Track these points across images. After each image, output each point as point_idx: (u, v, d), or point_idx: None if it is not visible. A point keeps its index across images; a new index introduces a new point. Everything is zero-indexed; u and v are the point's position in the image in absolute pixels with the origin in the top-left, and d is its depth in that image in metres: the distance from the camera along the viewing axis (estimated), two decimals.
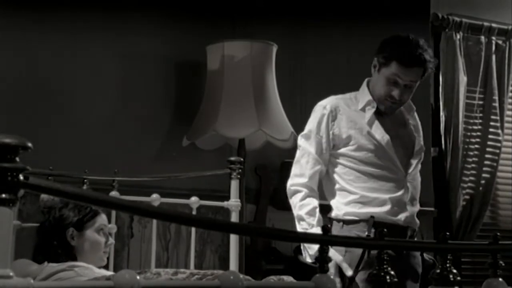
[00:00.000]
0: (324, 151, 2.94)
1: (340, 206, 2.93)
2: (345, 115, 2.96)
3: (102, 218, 2.94)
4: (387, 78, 2.91)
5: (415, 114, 3.11)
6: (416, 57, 2.90)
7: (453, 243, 1.63)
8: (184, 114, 3.92)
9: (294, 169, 2.97)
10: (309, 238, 1.61)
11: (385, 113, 2.98)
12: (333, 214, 2.95)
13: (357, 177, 2.91)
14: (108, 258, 3.15)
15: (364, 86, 3.05)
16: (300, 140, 3.01)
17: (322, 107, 2.99)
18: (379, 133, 2.93)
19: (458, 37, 4.65)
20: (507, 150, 4.83)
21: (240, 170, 3.41)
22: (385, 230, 1.54)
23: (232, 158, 3.43)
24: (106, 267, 3.10)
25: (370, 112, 2.96)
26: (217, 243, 3.93)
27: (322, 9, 4.30)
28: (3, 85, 3.58)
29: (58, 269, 2.70)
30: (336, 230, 2.89)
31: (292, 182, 2.95)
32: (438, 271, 1.55)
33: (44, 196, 3.08)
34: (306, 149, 2.96)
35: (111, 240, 2.95)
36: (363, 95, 3.01)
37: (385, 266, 1.49)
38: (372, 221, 2.81)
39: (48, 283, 1.99)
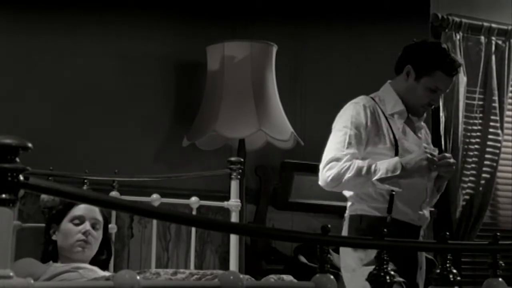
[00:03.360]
0: (359, 148, 2.87)
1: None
2: (378, 117, 2.93)
3: (77, 208, 2.91)
4: (429, 87, 2.92)
5: None
6: (458, 65, 2.94)
7: (453, 243, 1.63)
8: (184, 114, 3.92)
9: (330, 164, 2.86)
10: (309, 238, 1.60)
11: (408, 118, 2.98)
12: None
13: None
14: (110, 246, 3.13)
15: (389, 89, 3.01)
16: (334, 135, 2.94)
17: (357, 104, 2.94)
18: (406, 144, 2.91)
19: (458, 37, 4.65)
20: (507, 150, 4.83)
21: (240, 170, 3.42)
22: (385, 230, 1.54)
23: (232, 159, 3.43)
24: (106, 267, 3.10)
25: (400, 121, 2.95)
26: (217, 243, 3.93)
27: (322, 9, 4.30)
28: (2, 85, 3.58)
29: (62, 270, 2.70)
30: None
31: (331, 171, 2.84)
32: (438, 271, 1.55)
33: (44, 196, 3.08)
34: (341, 143, 2.88)
35: (82, 227, 2.88)
36: (390, 100, 2.98)
37: (385, 266, 1.49)
38: (390, 219, 2.83)
39: (47, 283, 1.99)
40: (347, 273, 2.86)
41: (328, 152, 2.89)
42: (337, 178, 2.81)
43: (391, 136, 2.90)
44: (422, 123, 3.08)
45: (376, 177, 2.79)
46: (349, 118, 2.90)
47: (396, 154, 2.87)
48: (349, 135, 2.86)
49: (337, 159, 2.83)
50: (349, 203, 2.96)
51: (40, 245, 3.02)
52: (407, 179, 2.82)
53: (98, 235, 2.93)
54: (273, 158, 4.02)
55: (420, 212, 2.92)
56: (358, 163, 2.80)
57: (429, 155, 2.80)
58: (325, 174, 2.84)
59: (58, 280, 2.64)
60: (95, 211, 2.93)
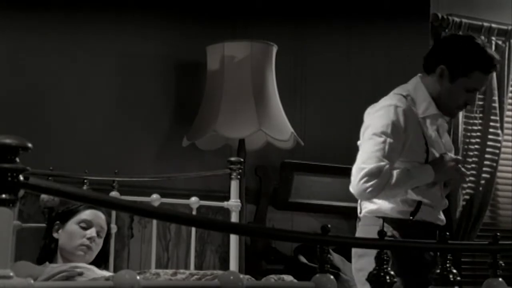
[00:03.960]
0: (396, 153, 2.76)
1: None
2: (413, 121, 2.79)
3: (87, 213, 2.92)
4: (467, 88, 2.79)
5: None
6: (496, 62, 2.83)
7: (453, 243, 1.63)
8: (184, 114, 3.92)
9: (368, 176, 2.72)
10: (309, 238, 1.60)
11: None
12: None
13: None
14: (108, 258, 3.15)
15: (421, 88, 2.85)
16: (372, 140, 2.77)
17: (397, 108, 2.77)
18: (437, 150, 2.84)
19: None
20: (507, 150, 4.83)
21: (240, 171, 3.42)
22: (384, 231, 1.54)
23: (232, 159, 3.43)
24: (106, 267, 3.10)
25: (433, 127, 2.84)
26: (217, 243, 3.93)
27: (322, 9, 4.30)
28: (2, 85, 3.58)
29: (59, 270, 2.70)
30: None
31: (371, 183, 2.70)
32: (438, 271, 1.55)
33: (44, 197, 3.09)
34: (380, 151, 2.73)
35: (89, 232, 2.89)
36: (422, 101, 2.83)
37: (385, 266, 1.49)
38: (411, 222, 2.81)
39: (47, 283, 1.99)
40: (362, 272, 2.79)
41: (366, 160, 2.72)
42: (377, 192, 2.70)
43: (423, 142, 2.79)
44: (445, 123, 2.98)
45: (410, 186, 2.75)
46: (389, 123, 2.73)
47: (426, 161, 2.80)
48: (389, 143, 2.70)
49: (377, 172, 2.68)
50: (368, 204, 2.85)
51: (40, 242, 3.01)
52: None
53: (100, 242, 2.94)
54: (273, 158, 4.02)
55: (440, 217, 2.91)
56: (397, 174, 2.71)
57: (459, 166, 2.76)
58: (363, 185, 2.70)
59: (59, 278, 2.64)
60: (102, 219, 2.96)
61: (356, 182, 2.73)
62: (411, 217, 2.80)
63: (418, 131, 2.80)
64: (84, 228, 2.89)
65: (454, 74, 2.80)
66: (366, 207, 2.87)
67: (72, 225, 2.90)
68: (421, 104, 2.83)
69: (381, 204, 2.82)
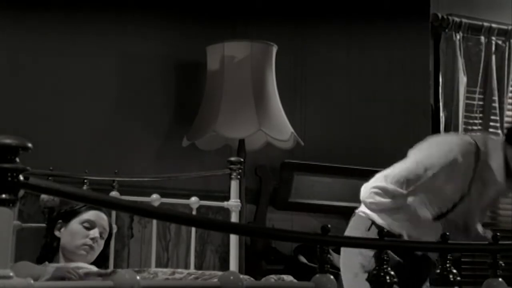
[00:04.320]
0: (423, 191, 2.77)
1: None
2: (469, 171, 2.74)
3: (91, 213, 2.92)
4: None
5: None
6: None
7: (453, 243, 1.63)
8: (184, 114, 3.92)
9: (388, 192, 2.72)
10: (309, 238, 1.60)
11: None
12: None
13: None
14: (108, 258, 3.15)
15: (498, 148, 2.76)
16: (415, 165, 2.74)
17: (466, 154, 2.71)
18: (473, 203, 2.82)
19: (458, 37, 4.65)
20: None
21: (240, 171, 3.42)
22: (385, 230, 1.54)
23: (232, 159, 3.43)
24: (106, 267, 3.10)
25: (493, 190, 2.81)
26: (217, 243, 3.93)
27: (322, 9, 4.30)
28: (2, 85, 3.58)
29: (60, 268, 2.70)
30: None
31: (383, 199, 2.71)
32: (438, 271, 1.55)
33: (44, 197, 3.09)
34: (415, 177, 2.70)
35: (93, 232, 2.89)
36: (494, 162, 2.74)
37: (385, 266, 1.49)
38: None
39: (47, 283, 1.99)
40: (349, 274, 2.84)
41: (401, 173, 2.71)
42: (382, 209, 2.73)
43: (465, 190, 2.76)
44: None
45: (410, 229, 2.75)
46: (446, 162, 2.69)
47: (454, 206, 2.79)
48: (429, 178, 2.68)
49: (397, 193, 2.70)
50: (366, 209, 2.86)
51: (41, 241, 3.01)
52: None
53: (102, 244, 2.95)
54: (273, 158, 4.02)
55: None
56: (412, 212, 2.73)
57: None
58: (376, 197, 2.72)
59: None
60: (105, 220, 2.97)
61: (372, 188, 2.74)
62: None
63: (468, 180, 2.75)
64: (88, 228, 2.90)
65: None
66: (361, 207, 2.90)
67: (75, 224, 2.90)
68: (492, 165, 2.76)
69: (377, 215, 2.84)
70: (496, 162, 2.74)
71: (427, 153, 2.75)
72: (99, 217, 2.94)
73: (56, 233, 2.93)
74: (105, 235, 2.97)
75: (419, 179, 2.69)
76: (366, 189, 2.75)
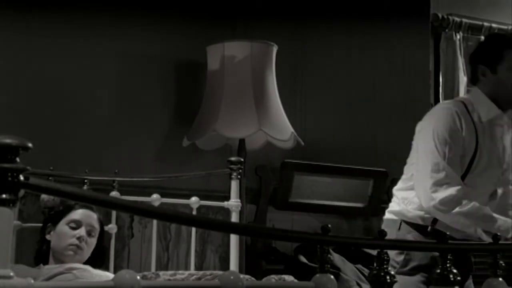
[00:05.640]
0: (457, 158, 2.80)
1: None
2: (468, 126, 2.82)
3: (76, 213, 2.91)
4: (509, 69, 2.82)
5: None
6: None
7: (453, 243, 1.63)
8: (184, 114, 3.92)
9: (437, 179, 2.76)
10: (309, 238, 1.60)
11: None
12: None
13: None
14: (106, 258, 3.14)
15: (479, 94, 2.88)
16: (434, 145, 2.80)
17: (449, 109, 2.83)
18: (490, 157, 2.85)
19: (458, 37, 4.65)
20: None
21: (240, 170, 3.41)
22: (384, 231, 1.55)
23: (232, 158, 3.43)
24: (106, 267, 3.10)
25: (500, 128, 2.88)
26: (217, 243, 3.93)
27: (322, 9, 4.30)
28: (3, 85, 3.58)
29: (56, 272, 2.69)
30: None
31: (444, 195, 2.74)
32: (438, 271, 1.55)
33: (44, 196, 3.08)
34: (443, 154, 2.77)
35: (78, 232, 2.87)
36: (483, 105, 2.85)
37: (385, 266, 1.49)
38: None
39: (47, 283, 1.98)
40: None
41: (433, 168, 2.75)
42: (451, 204, 2.74)
43: (473, 146, 2.81)
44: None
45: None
46: (447, 129, 2.78)
47: (470, 165, 2.81)
48: (449, 149, 2.76)
49: (449, 181, 2.73)
50: (392, 205, 2.90)
51: (35, 244, 3.02)
52: None
53: (92, 242, 2.92)
54: (273, 158, 4.02)
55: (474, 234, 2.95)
56: (485, 210, 2.76)
57: None
58: (435, 195, 2.73)
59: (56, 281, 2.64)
60: (93, 218, 2.93)
61: (426, 193, 2.75)
62: (431, 225, 2.82)
63: (472, 135, 2.81)
64: (74, 228, 2.88)
65: (491, 65, 2.85)
66: (389, 208, 2.93)
67: (62, 226, 2.89)
68: (482, 108, 2.86)
69: (404, 208, 2.86)
70: (485, 104, 2.84)
71: (438, 131, 2.79)
72: (85, 215, 2.91)
73: (47, 236, 2.92)
74: (95, 233, 2.93)
75: (446, 157, 2.74)
76: (426, 193, 2.75)
